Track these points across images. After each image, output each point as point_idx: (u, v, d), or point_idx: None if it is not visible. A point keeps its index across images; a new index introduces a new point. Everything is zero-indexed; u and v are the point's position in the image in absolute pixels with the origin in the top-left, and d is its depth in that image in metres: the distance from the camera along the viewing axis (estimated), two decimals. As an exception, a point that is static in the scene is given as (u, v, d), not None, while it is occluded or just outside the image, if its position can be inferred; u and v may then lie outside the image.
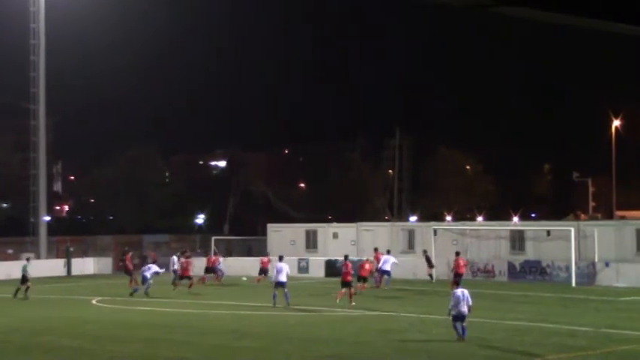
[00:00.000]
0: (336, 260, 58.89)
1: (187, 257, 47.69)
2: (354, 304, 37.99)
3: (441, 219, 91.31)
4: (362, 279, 43.65)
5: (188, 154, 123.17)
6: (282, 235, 63.29)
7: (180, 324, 32.76)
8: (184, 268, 46.96)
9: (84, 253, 68.02)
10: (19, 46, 68.89)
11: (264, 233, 66.64)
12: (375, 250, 51.97)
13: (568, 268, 50.20)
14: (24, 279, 45.37)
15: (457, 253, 48.64)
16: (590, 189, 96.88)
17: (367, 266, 45.12)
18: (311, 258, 59.38)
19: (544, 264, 52.29)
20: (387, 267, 48.27)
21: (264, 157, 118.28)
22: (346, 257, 41.40)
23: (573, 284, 48.88)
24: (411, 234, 59.23)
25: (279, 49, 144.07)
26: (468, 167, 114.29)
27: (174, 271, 48.56)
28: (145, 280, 44.63)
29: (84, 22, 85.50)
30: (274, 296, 37.97)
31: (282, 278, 38.15)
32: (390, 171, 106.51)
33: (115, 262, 67.85)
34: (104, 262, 66.99)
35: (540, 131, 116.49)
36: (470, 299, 27.30)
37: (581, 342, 26.80)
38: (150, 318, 35.07)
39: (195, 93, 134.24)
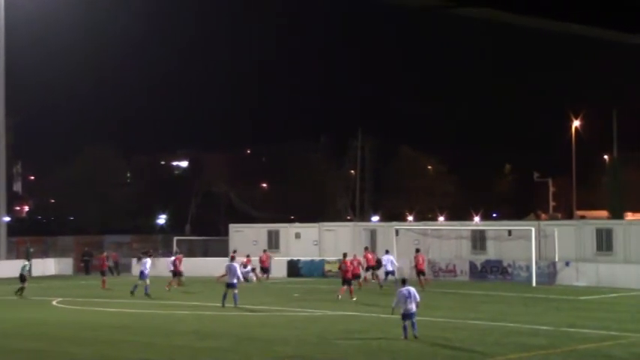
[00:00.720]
0: (298, 260, 59.03)
1: (177, 256, 48.60)
2: (355, 299, 39.46)
3: (403, 219, 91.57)
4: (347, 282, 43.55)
5: (150, 154, 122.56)
6: (244, 236, 63.18)
7: (142, 325, 32.61)
8: (177, 265, 49.39)
9: (44, 254, 67.48)
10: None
11: (226, 233, 66.47)
12: (366, 248, 52.43)
13: (529, 268, 50.56)
14: (22, 278, 45.54)
15: (417, 250, 49.17)
16: (551, 189, 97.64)
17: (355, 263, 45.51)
18: (273, 258, 59.30)
19: (505, 264, 52.63)
20: (390, 267, 48.48)
21: (226, 157, 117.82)
22: (345, 255, 42.88)
23: (534, 284, 49.23)
24: (373, 234, 59.35)
25: (241, 49, 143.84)
26: (429, 167, 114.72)
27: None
28: (143, 275, 44.27)
29: (43, 22, 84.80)
30: (224, 296, 38.13)
31: (233, 280, 38.32)
32: (353, 171, 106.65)
33: (76, 263, 67.49)
34: (65, 263, 66.56)
35: (501, 132, 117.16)
36: (417, 296, 27.58)
37: (542, 341, 26.98)
38: (112, 319, 34.85)
39: (157, 93, 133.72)
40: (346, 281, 41.28)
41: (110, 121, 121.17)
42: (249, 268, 53.35)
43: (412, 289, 27.72)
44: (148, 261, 45.45)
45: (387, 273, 48.63)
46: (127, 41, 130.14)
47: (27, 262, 47.74)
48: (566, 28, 12.17)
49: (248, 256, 54.62)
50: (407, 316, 27.37)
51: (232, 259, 41.21)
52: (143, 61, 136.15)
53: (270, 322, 33.42)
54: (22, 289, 45.24)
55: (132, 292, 44.12)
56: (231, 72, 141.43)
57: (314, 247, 60.54)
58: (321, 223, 63.39)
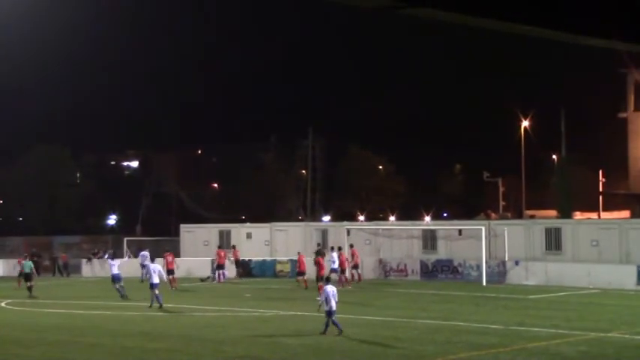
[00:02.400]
0: (250, 260, 58.87)
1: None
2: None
3: (354, 219, 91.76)
4: (302, 273, 46.97)
5: (99, 154, 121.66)
6: (195, 236, 62.94)
7: (90, 326, 32.31)
8: (169, 262, 49.24)
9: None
10: None
11: (176, 234, 66.17)
12: (351, 246, 52.37)
13: (479, 267, 50.89)
14: (28, 277, 45.06)
15: (351, 246, 49.91)
16: (500, 189, 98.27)
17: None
18: (231, 258, 59.01)
19: (456, 263, 52.93)
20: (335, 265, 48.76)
21: (177, 157, 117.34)
22: (317, 253, 44.18)
23: (484, 283, 49.55)
24: (324, 234, 59.38)
25: (190, 48, 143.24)
26: (380, 167, 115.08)
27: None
28: (116, 278, 43.56)
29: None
30: (157, 297, 38.09)
31: (156, 280, 38.32)
32: (303, 171, 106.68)
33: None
34: (13, 264, 65.79)
35: (451, 132, 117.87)
36: (336, 295, 28.52)
37: (492, 339, 27.13)
38: (60, 320, 34.52)
39: (106, 92, 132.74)
40: (321, 278, 41.07)
41: (58, 120, 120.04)
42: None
43: (334, 289, 28.77)
44: (117, 262, 45.07)
45: (332, 270, 48.65)
46: (74, 38, 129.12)
47: (29, 262, 47.39)
48: (515, 29, 12.23)
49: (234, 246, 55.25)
50: (331, 313, 28.19)
51: (153, 260, 41.59)
52: (92, 58, 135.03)
53: (221, 322, 33.29)
54: (30, 287, 45.04)
55: (123, 296, 43.26)
56: (181, 72, 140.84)
57: (265, 247, 60.45)
58: (273, 223, 63.33)
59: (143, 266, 51.98)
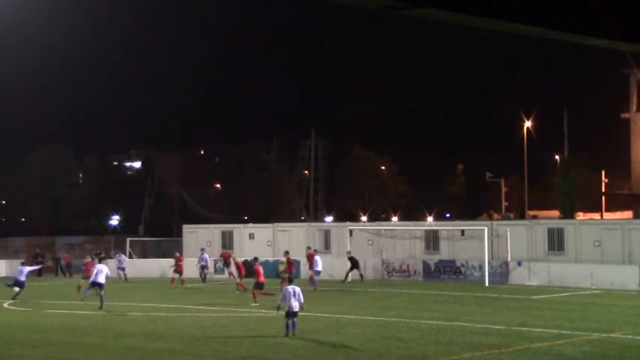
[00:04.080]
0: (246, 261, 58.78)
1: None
2: (257, 304, 38.24)
3: (357, 219, 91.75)
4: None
5: (102, 154, 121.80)
6: (198, 236, 62.94)
7: (93, 326, 32.32)
8: (179, 262, 50.63)
9: (-2, 256, 66.90)
10: None
11: (179, 234, 66.19)
12: (348, 252, 52.15)
13: (481, 268, 50.87)
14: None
15: (308, 248, 51.65)
16: (503, 189, 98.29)
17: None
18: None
19: (458, 263, 52.92)
20: (319, 267, 48.86)
21: (179, 157, 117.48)
22: (256, 259, 42.32)
23: (487, 283, 49.55)
24: (326, 234, 59.39)
25: (193, 49, 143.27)
26: (382, 168, 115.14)
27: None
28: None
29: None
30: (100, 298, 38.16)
31: (101, 280, 38.34)
32: (306, 172, 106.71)
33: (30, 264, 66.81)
34: (16, 265, 65.72)
35: (454, 132, 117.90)
36: (301, 297, 28.41)
37: (495, 340, 27.14)
38: (63, 321, 34.52)
39: (110, 93, 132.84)
40: (259, 285, 39.70)
41: (61, 121, 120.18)
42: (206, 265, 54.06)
43: (297, 289, 28.58)
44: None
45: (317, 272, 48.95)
46: (78, 40, 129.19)
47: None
48: (518, 30, 12.25)
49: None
50: (290, 314, 28.19)
51: (100, 260, 41.57)
52: (95, 60, 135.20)
53: (224, 322, 33.28)
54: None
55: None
56: (184, 72, 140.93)
57: (268, 248, 60.43)
58: (275, 224, 63.34)
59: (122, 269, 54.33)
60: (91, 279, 39.14)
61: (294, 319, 28.21)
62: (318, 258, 49.15)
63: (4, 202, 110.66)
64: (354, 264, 52.17)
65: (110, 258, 62.81)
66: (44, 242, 71.73)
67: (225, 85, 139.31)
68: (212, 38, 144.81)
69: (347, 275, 51.83)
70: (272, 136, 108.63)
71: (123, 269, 57.36)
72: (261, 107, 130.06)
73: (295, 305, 28.12)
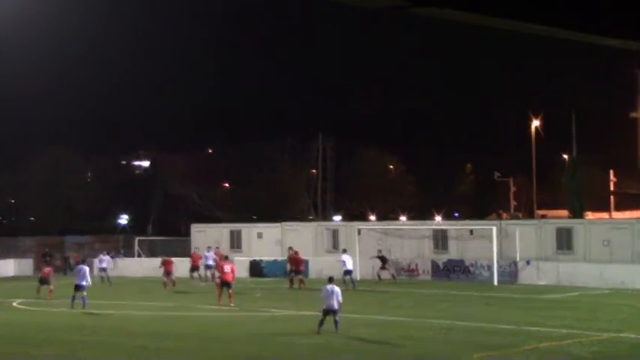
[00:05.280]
0: (260, 260, 58.90)
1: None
2: (233, 305, 37.79)
3: (365, 219, 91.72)
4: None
5: (110, 154, 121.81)
6: (206, 235, 62.97)
7: (102, 326, 32.38)
8: (195, 260, 52.02)
9: (4, 255, 66.87)
10: None
11: (188, 234, 66.25)
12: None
13: (490, 267, 50.83)
14: None
15: (289, 248, 51.95)
16: (512, 188, 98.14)
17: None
18: (235, 258, 59.08)
19: (467, 263, 52.86)
20: (349, 266, 47.62)
21: (188, 157, 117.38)
22: (226, 257, 42.40)
23: (495, 283, 49.50)
24: (335, 234, 59.36)
25: (201, 48, 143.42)
26: (391, 167, 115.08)
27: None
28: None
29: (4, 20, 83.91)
30: (73, 298, 38.08)
31: (83, 282, 38.23)
32: (314, 171, 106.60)
33: (37, 264, 66.89)
34: (25, 264, 65.94)
35: (462, 132, 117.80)
36: (340, 296, 28.41)
37: (504, 340, 27.12)
38: (73, 320, 34.57)
39: (117, 91, 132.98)
40: (226, 284, 39.14)
41: (71, 121, 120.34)
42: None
43: (336, 288, 28.50)
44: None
45: (346, 272, 48.24)
46: (85, 39, 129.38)
47: None
48: (527, 29, 12.23)
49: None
50: (328, 312, 28.18)
51: (83, 261, 41.48)
52: (102, 59, 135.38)
53: (233, 322, 33.34)
54: None
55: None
56: (192, 71, 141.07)
57: (276, 247, 60.44)
58: (283, 223, 63.34)
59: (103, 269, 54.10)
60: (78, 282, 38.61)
61: (335, 318, 28.04)
62: (347, 257, 47.86)
63: (13, 201, 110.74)
64: (384, 262, 52.06)
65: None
66: (53, 242, 71.83)
67: (233, 84, 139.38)
68: (214, 38, 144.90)
69: (379, 274, 51.76)
70: (280, 135, 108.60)
71: (104, 270, 54.65)
72: (270, 106, 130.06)
73: (334, 304, 28.01)
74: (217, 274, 46.93)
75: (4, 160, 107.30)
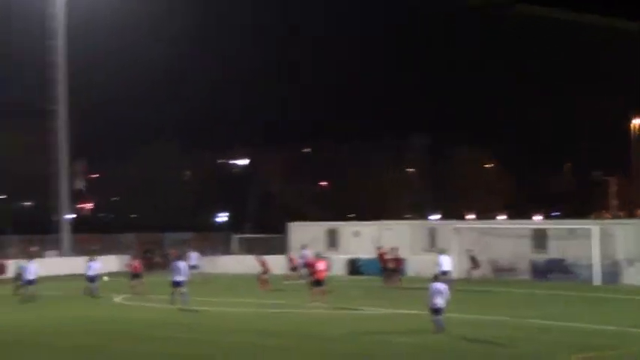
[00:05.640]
0: (357, 258, 58.93)
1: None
2: (325, 303, 37.73)
3: (461, 217, 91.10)
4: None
5: (209, 152, 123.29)
6: (303, 234, 63.21)
7: (202, 323, 32.84)
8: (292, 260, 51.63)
9: (106, 251, 68.14)
10: (41, 46, 69.14)
11: (285, 231, 66.65)
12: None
13: (591, 267, 50.00)
14: (18, 277, 45.28)
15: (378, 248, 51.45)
16: (612, 187, 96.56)
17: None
18: (332, 256, 59.23)
19: (567, 262, 52.11)
20: (446, 267, 46.77)
21: (286, 155, 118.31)
22: (319, 256, 41.56)
23: (596, 283, 48.71)
24: (432, 232, 59.04)
25: (300, 47, 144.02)
26: (488, 166, 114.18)
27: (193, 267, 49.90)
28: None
29: (104, 18, 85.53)
30: (173, 295, 38.32)
31: (180, 278, 38.29)
32: (411, 169, 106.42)
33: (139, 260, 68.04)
34: (127, 260, 67.08)
35: (562, 130, 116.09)
36: (448, 294, 28.20)
37: (605, 341, 26.70)
38: (173, 316, 35.13)
39: (217, 90, 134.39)
40: (318, 283, 39.10)
41: (171, 118, 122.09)
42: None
43: (444, 286, 28.28)
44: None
45: (442, 273, 47.67)
46: (187, 38, 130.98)
47: (23, 262, 47.30)
48: (624, 25, 12.08)
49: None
50: (433, 310, 28.01)
51: (180, 258, 41.47)
52: (201, 58, 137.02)
53: (330, 320, 33.47)
54: (18, 288, 44.59)
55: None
56: (291, 70, 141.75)
57: (373, 246, 60.39)
58: (381, 222, 63.27)
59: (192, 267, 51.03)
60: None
61: (439, 317, 27.90)
62: (445, 258, 47.09)
63: (115, 198, 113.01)
64: (474, 263, 51.68)
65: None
66: (153, 238, 72.99)
67: (328, 84, 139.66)
68: (309, 36, 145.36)
69: (470, 273, 51.39)
70: (378, 133, 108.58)
71: (194, 267, 53.25)
72: (368, 105, 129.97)
73: (439, 302, 27.86)
74: (305, 272, 47.32)
75: (107, 160, 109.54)
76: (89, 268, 45.91)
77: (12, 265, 49.48)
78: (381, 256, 51.55)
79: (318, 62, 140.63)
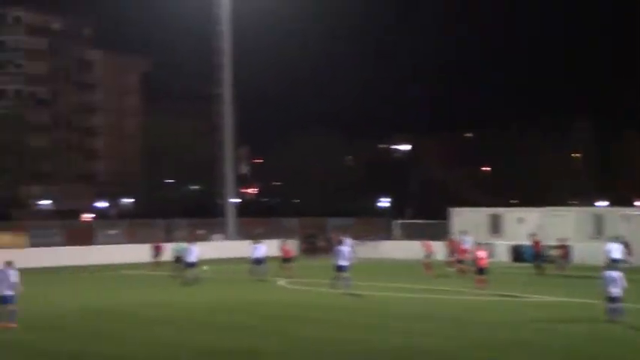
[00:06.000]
0: (521, 245, 57.94)
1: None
2: (485, 290, 37.30)
3: (629, 204, 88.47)
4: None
5: (370, 138, 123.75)
6: (465, 219, 62.61)
7: (361, 307, 33.03)
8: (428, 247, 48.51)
9: (270, 236, 69.20)
10: (206, 32, 70.71)
11: (446, 217, 66.20)
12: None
13: None
14: (178, 260, 46.16)
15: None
16: None
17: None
18: (495, 243, 58.48)
19: None
20: (618, 255, 45.54)
21: (447, 140, 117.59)
22: (479, 243, 41.15)
23: None
24: (598, 219, 57.50)
25: (465, 35, 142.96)
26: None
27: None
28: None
29: (268, 9, 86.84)
30: (335, 279, 38.35)
31: (343, 263, 38.09)
32: (576, 155, 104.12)
33: (301, 245, 68.88)
34: (290, 245, 67.92)
35: None
36: (624, 282, 27.45)
37: None
38: (334, 300, 35.40)
39: (376, 79, 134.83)
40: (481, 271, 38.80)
41: (334, 105, 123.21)
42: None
43: (619, 274, 27.55)
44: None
45: (614, 261, 46.30)
46: (347, 27, 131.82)
47: (179, 244, 48.02)
48: None
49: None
50: (608, 299, 27.37)
51: (342, 243, 40.81)
52: (362, 49, 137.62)
53: (492, 307, 33.11)
54: (179, 272, 45.22)
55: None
56: (456, 56, 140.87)
57: (537, 232, 59.34)
58: (545, 208, 62.08)
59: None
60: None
61: (615, 305, 27.26)
62: (615, 245, 45.63)
63: (279, 183, 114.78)
64: (629, 250, 50.05)
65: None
66: (316, 223, 73.66)
67: (492, 67, 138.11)
68: (483, 23, 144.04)
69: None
70: (542, 118, 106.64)
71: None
72: (531, 88, 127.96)
73: (614, 290, 27.25)
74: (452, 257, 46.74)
75: (270, 145, 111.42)
76: (255, 250, 46.58)
77: (169, 248, 50.48)
78: (536, 244, 50.57)
79: (477, 47, 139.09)
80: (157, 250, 54.00)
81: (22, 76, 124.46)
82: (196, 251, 44.18)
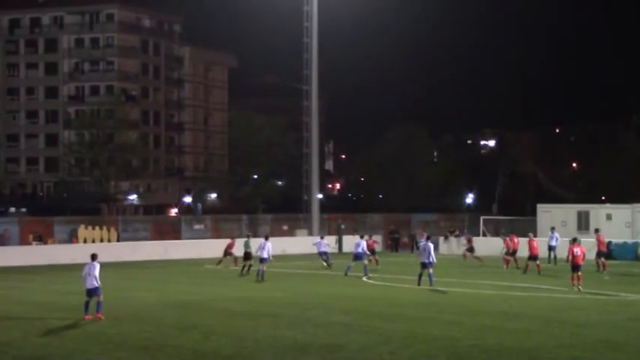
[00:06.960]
0: (609, 242, 56.86)
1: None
2: (582, 288, 36.62)
3: None
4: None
5: (456, 133, 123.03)
6: (552, 216, 61.89)
7: (449, 303, 32.78)
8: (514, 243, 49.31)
9: (354, 231, 69.22)
10: (294, 30, 71.11)
11: (533, 213, 65.48)
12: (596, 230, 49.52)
13: None
14: (247, 255, 46.20)
15: (596, 230, 49.59)
16: None
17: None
18: (583, 239, 57.52)
19: None
20: None
21: (534, 136, 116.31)
22: (575, 240, 39.77)
23: None
24: (689, 217, 56.33)
25: (549, 31, 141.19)
26: None
27: None
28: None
29: (354, 5, 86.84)
30: (419, 276, 38.37)
31: (427, 260, 38.15)
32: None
33: (385, 240, 68.84)
34: (373, 240, 67.90)
35: None
36: None
37: None
38: (418, 296, 35.26)
39: (465, 74, 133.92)
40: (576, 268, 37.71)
41: (418, 100, 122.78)
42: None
43: None
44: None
45: None
46: (436, 23, 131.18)
47: (248, 239, 47.92)
48: None
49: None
50: None
51: (428, 239, 40.12)
52: (449, 42, 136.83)
53: (579, 305, 32.58)
54: (249, 267, 45.57)
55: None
56: (544, 52, 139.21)
57: (626, 229, 58.35)
58: (634, 205, 60.96)
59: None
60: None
61: None
62: None
63: (362, 179, 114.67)
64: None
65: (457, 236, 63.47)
66: (400, 219, 73.54)
67: (582, 63, 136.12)
68: (572, 19, 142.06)
69: None
70: (630, 114, 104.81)
71: None
72: (619, 84, 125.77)
73: None
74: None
75: (355, 141, 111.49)
76: (357, 245, 45.94)
77: (240, 244, 50.16)
78: (598, 240, 49.57)
79: (564, 43, 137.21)
80: (230, 247, 53.59)
81: (114, 73, 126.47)
82: (269, 247, 43.90)
